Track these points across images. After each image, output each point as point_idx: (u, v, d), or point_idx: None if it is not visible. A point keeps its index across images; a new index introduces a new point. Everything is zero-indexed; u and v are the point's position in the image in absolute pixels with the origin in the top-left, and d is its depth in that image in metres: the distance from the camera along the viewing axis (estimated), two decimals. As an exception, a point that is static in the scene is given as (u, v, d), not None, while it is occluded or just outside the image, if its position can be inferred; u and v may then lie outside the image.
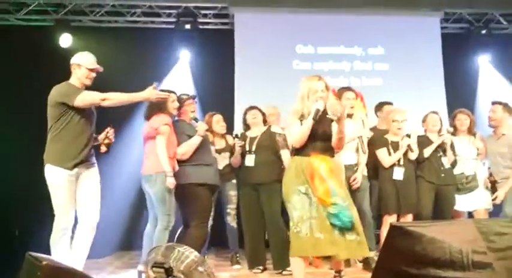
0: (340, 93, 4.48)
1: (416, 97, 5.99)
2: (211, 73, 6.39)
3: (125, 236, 5.59)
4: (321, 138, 3.18)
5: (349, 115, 4.39)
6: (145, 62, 6.17)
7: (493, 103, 4.62)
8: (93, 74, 3.50)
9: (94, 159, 3.55)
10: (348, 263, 4.33)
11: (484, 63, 7.06)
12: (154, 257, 2.66)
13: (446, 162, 4.40)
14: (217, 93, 6.21)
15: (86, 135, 3.43)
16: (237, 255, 4.64)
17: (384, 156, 4.30)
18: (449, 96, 6.49)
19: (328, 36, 6.54)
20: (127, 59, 5.95)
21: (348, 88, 4.50)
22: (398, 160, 4.27)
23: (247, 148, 4.36)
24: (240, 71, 6.32)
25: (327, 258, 3.46)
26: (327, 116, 3.13)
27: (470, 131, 4.55)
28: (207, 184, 3.91)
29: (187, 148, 3.90)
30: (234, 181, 4.67)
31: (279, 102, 5.07)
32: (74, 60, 3.49)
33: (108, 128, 3.63)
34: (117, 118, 3.90)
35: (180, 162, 3.85)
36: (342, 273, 3.35)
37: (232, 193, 4.65)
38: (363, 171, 4.27)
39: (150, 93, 3.50)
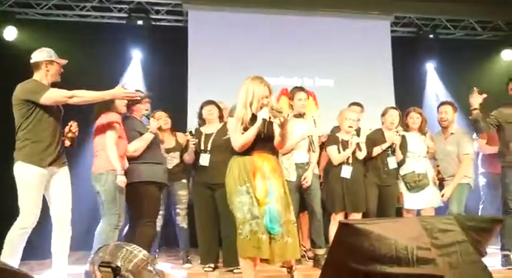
0: (292, 93, 4.52)
1: (366, 98, 6.10)
2: (164, 71, 6.30)
3: (77, 236, 5.38)
4: (263, 138, 3.18)
5: (301, 115, 4.44)
6: (96, 57, 6.00)
7: (443, 103, 4.73)
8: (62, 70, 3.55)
9: (65, 157, 3.56)
10: (299, 260, 4.39)
11: (431, 66, 7.34)
12: (101, 256, 2.59)
13: (392, 162, 4.49)
14: (170, 90, 6.13)
15: (56, 132, 3.45)
16: (188, 254, 4.59)
17: (334, 154, 4.36)
18: (398, 97, 6.69)
19: (281, 35, 6.57)
20: (77, 54, 5.75)
21: (300, 89, 4.54)
22: (347, 159, 4.33)
23: (202, 147, 4.30)
24: (193, 69, 6.28)
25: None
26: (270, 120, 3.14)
27: (422, 130, 4.64)
28: (157, 182, 3.86)
29: (138, 145, 3.83)
30: (184, 180, 4.61)
31: (232, 100, 5.04)
32: (42, 57, 3.44)
33: (71, 122, 3.59)
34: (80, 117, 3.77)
35: (130, 159, 3.77)
36: (293, 268, 3.38)
37: (182, 193, 4.58)
38: (313, 169, 4.32)
39: (117, 91, 3.54)
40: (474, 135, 5.00)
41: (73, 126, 3.57)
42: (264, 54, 6.47)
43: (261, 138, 3.18)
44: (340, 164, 4.33)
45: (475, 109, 4.21)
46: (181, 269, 4.39)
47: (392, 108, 4.70)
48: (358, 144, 4.32)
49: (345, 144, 4.37)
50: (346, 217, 4.33)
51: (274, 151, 3.31)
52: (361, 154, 4.38)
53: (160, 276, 2.54)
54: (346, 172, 4.30)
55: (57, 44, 5.76)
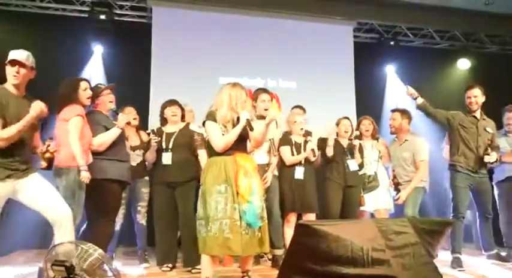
0: (256, 94, 4.54)
1: (329, 100, 6.24)
2: (126, 67, 6.19)
3: (34, 234, 5.21)
4: (241, 139, 3.31)
5: (264, 117, 4.46)
6: (56, 51, 5.84)
7: (392, 111, 4.98)
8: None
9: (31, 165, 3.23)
10: (257, 261, 4.42)
11: (390, 72, 7.53)
12: (55, 254, 2.52)
13: (352, 164, 4.62)
14: (132, 87, 6.00)
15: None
16: (146, 253, 4.53)
17: (287, 154, 4.41)
18: (358, 101, 6.83)
19: (245, 36, 6.59)
20: (36, 46, 5.55)
21: (264, 90, 4.56)
22: (301, 161, 4.40)
23: (164, 146, 4.27)
24: (156, 67, 6.20)
25: (237, 257, 3.51)
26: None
27: (373, 136, 4.90)
28: (120, 181, 3.78)
29: (104, 140, 3.70)
30: (147, 178, 4.55)
31: (194, 99, 5.03)
32: (20, 57, 3.09)
33: (48, 141, 3.29)
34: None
35: (93, 154, 3.65)
36: (249, 273, 3.39)
37: (144, 191, 4.53)
38: (273, 171, 4.36)
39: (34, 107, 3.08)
40: (443, 143, 5.18)
41: (50, 146, 3.28)
42: (227, 54, 6.46)
43: (239, 139, 3.29)
44: (292, 165, 4.39)
45: (417, 97, 4.40)
46: (138, 268, 4.32)
47: (345, 118, 4.85)
48: (313, 150, 4.41)
49: (297, 146, 4.46)
50: (300, 218, 4.36)
51: (247, 152, 3.44)
52: (314, 158, 4.48)
53: (116, 276, 2.50)
54: (299, 172, 4.37)
55: (16, 35, 5.63)
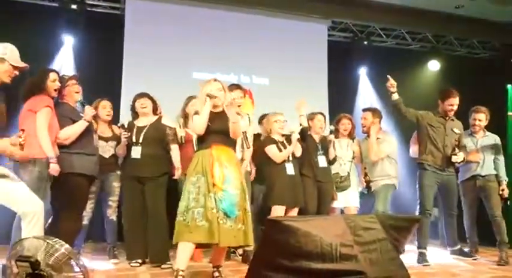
0: (229, 90, 4.52)
1: (301, 97, 6.23)
2: (98, 59, 6.08)
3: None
4: (219, 132, 3.41)
5: (237, 113, 4.46)
6: (25, 40, 5.63)
7: (364, 110, 5.07)
8: (16, 72, 3.12)
9: None
10: (228, 256, 4.42)
11: (363, 71, 7.63)
12: (19, 250, 2.46)
13: (322, 160, 4.66)
14: (103, 80, 5.92)
15: None
16: (115, 249, 4.47)
17: (275, 152, 4.40)
18: (331, 99, 6.89)
19: (219, 31, 6.56)
20: (5, 36, 5.39)
21: (237, 86, 4.56)
22: (288, 157, 4.41)
23: (134, 139, 4.20)
24: (129, 59, 6.11)
25: (208, 251, 3.51)
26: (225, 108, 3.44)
27: (350, 135, 4.94)
28: (86, 175, 3.71)
29: (70, 133, 3.63)
30: (119, 172, 4.47)
31: (167, 93, 4.99)
32: None
33: (21, 131, 3.08)
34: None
35: (60, 148, 3.57)
36: (220, 269, 3.40)
37: (116, 185, 4.44)
38: (246, 167, 4.36)
39: None
40: (411, 141, 5.29)
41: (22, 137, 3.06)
42: (201, 49, 6.41)
43: (217, 132, 3.40)
44: (283, 162, 4.39)
45: (393, 92, 4.47)
46: (107, 264, 4.26)
47: (320, 113, 4.89)
48: (299, 140, 4.43)
49: (282, 143, 4.46)
50: (286, 213, 4.37)
51: (231, 145, 3.51)
52: (299, 151, 4.50)
53: (84, 271, 2.46)
54: (290, 168, 4.39)
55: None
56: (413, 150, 4.92)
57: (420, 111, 4.65)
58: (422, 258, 4.36)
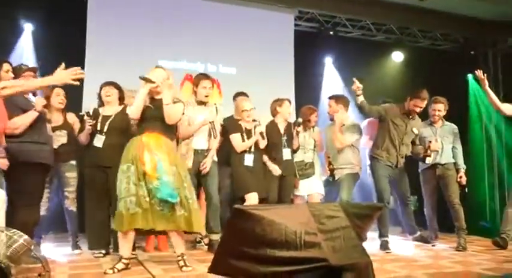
0: (197, 79, 4.48)
1: (268, 87, 6.26)
2: (59, 47, 5.86)
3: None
4: (154, 118, 3.48)
5: (204, 103, 4.44)
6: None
7: (329, 98, 5.12)
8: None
9: None
10: (194, 246, 4.42)
11: (329, 61, 7.70)
12: (-24, 242, 2.38)
13: (287, 153, 4.71)
14: (65, 68, 5.72)
15: None
16: (77, 239, 4.39)
17: (237, 142, 4.44)
18: (297, 88, 6.93)
19: (186, 18, 6.46)
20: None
21: (206, 76, 4.50)
22: (250, 147, 4.44)
23: (99, 128, 4.15)
24: (92, 47, 5.95)
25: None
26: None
27: (312, 126, 5.03)
28: (41, 163, 3.61)
29: (20, 123, 3.50)
30: (73, 162, 4.35)
31: (131, 81, 4.88)
32: None
33: None
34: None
35: (12, 138, 3.46)
36: (184, 257, 3.42)
37: (70, 175, 4.32)
38: (213, 156, 4.35)
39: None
40: (364, 131, 5.38)
41: None
42: (167, 36, 6.31)
43: (151, 119, 3.45)
44: (243, 152, 4.41)
45: (358, 95, 4.54)
46: (70, 255, 4.18)
47: (287, 99, 4.92)
48: (261, 133, 4.45)
49: (248, 133, 4.48)
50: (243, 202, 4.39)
51: (168, 132, 3.53)
52: (263, 143, 4.51)
53: (43, 262, 2.40)
54: (249, 160, 4.41)
55: None
56: (366, 140, 5.07)
57: (386, 105, 4.76)
58: (384, 246, 4.47)
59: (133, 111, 3.50)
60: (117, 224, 3.36)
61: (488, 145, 8.16)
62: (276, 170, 4.61)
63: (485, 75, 4.59)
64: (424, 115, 4.98)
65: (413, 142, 4.75)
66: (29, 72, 3.73)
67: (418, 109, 4.68)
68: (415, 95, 4.66)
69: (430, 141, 4.76)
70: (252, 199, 4.32)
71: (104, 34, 6.02)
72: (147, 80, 3.45)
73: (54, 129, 4.22)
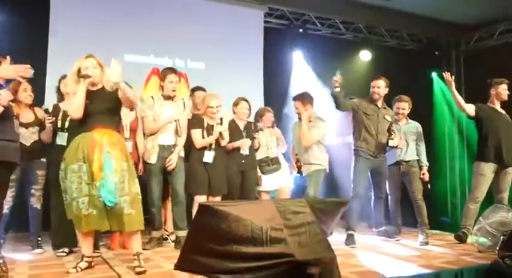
0: (163, 74, 4.43)
1: (237, 83, 6.26)
2: (20, 38, 5.66)
3: None
4: (100, 112, 3.33)
5: (171, 97, 4.39)
6: None
7: (293, 99, 5.13)
8: None
9: None
10: (160, 243, 4.37)
11: (298, 58, 7.74)
12: None
13: (245, 149, 4.73)
14: (27, 60, 5.52)
15: None
16: (39, 239, 4.27)
17: (198, 138, 4.40)
18: (266, 85, 6.94)
19: (154, 13, 6.36)
20: None
21: (172, 70, 4.44)
22: (211, 144, 4.41)
23: (60, 125, 4.05)
24: (55, 39, 5.77)
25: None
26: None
27: (272, 125, 5.16)
28: (7, 162, 3.49)
29: None
30: (44, 159, 4.24)
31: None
32: None
33: None
34: None
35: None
36: (140, 256, 3.34)
37: (40, 173, 4.21)
38: (179, 152, 4.31)
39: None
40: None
41: None
42: (134, 31, 6.18)
43: (99, 112, 3.31)
44: (203, 149, 4.39)
45: (336, 87, 4.61)
46: (31, 254, 4.07)
47: (244, 99, 4.92)
48: (220, 133, 4.43)
49: (209, 129, 4.44)
50: (207, 200, 4.38)
51: (115, 125, 3.44)
52: (224, 142, 4.51)
53: (1, 263, 2.33)
54: (209, 157, 4.38)
55: None
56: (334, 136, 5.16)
57: (355, 100, 4.85)
58: (350, 240, 4.54)
59: (76, 111, 3.29)
60: (76, 224, 3.27)
61: (450, 143, 8.41)
62: (243, 143, 4.66)
63: (452, 77, 4.74)
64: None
65: (389, 132, 4.74)
66: None
67: (376, 90, 4.79)
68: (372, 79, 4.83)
69: (391, 123, 4.76)
70: (200, 200, 4.25)
71: (67, 26, 5.83)
72: (84, 77, 3.28)
73: (26, 125, 4.12)
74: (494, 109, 4.81)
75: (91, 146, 3.20)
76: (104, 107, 3.33)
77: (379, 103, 4.82)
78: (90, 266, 3.36)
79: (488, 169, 4.67)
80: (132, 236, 3.35)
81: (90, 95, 3.31)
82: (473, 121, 4.94)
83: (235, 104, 4.88)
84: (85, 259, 3.34)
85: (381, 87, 4.81)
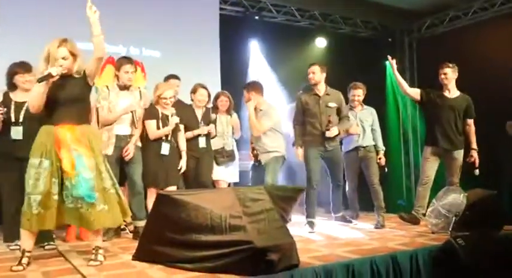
0: (119, 63, 4.32)
1: (194, 71, 6.16)
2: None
3: None
4: (65, 104, 3.15)
5: (127, 87, 4.29)
6: None
7: (244, 88, 5.18)
8: None
9: None
10: (118, 233, 4.31)
11: (254, 46, 7.73)
12: None
13: (202, 141, 4.74)
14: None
15: None
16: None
17: (152, 128, 4.29)
18: (223, 73, 6.89)
19: (105, 1, 6.13)
20: None
21: (128, 60, 4.32)
22: (166, 136, 4.32)
23: (13, 118, 3.84)
24: (2, 28, 5.50)
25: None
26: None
27: (228, 111, 5.08)
28: None
29: None
30: None
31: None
32: None
33: None
34: None
35: None
36: (100, 251, 3.26)
37: None
38: (136, 142, 4.23)
39: None
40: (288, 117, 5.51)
41: None
42: (86, 18, 5.96)
43: (63, 104, 3.14)
44: (159, 140, 4.29)
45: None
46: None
47: (203, 87, 4.87)
48: (177, 124, 4.37)
49: (164, 119, 4.33)
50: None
51: (83, 116, 3.27)
52: (181, 133, 4.47)
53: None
54: (165, 148, 4.31)
55: None
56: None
57: (302, 96, 4.81)
58: (310, 226, 4.61)
59: (36, 107, 3.10)
60: (24, 222, 3.07)
61: (403, 129, 8.67)
62: (202, 130, 4.70)
63: (394, 60, 4.83)
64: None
65: (340, 117, 4.76)
66: None
67: (310, 75, 4.71)
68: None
69: (330, 115, 4.69)
70: (153, 193, 4.19)
71: (17, 11, 5.58)
72: (47, 78, 3.02)
73: None
74: (440, 94, 4.80)
75: (56, 143, 3.07)
76: (71, 97, 3.16)
77: (321, 91, 4.72)
78: (30, 262, 3.20)
79: (431, 153, 4.78)
80: (97, 232, 3.26)
81: (55, 84, 3.10)
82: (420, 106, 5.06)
83: (193, 91, 4.84)
84: (26, 254, 3.16)
85: (315, 72, 4.70)
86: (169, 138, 4.34)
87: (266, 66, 7.54)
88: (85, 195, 3.04)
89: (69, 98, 3.15)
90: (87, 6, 3.20)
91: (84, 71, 3.22)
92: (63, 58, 3.14)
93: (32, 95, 3.10)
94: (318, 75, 4.70)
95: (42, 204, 3.04)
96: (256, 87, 5.05)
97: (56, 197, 3.07)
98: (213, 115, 4.88)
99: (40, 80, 3.01)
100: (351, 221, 5.07)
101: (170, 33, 6.53)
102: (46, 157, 3.06)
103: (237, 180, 5.02)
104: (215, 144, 4.88)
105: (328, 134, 4.59)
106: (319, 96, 4.72)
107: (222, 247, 2.83)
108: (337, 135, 4.69)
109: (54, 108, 3.14)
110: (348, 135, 5.11)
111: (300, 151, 4.73)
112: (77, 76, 3.21)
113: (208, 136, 4.79)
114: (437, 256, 3.53)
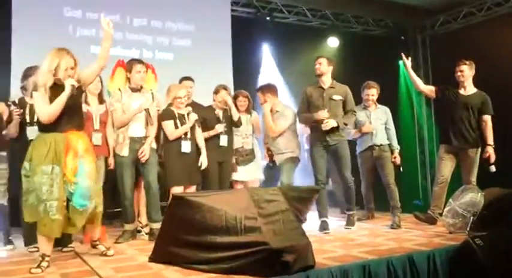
0: (130, 65, 4.35)
1: (206, 73, 6.18)
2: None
3: None
4: (71, 111, 3.26)
5: (139, 89, 4.33)
6: None
7: (256, 90, 5.20)
8: None
9: None
10: (134, 235, 4.33)
11: (266, 47, 7.73)
12: None
13: (224, 139, 4.72)
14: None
15: None
16: (9, 235, 4.17)
17: (170, 128, 4.33)
18: (236, 74, 6.90)
19: (120, 5, 6.23)
20: None
21: (138, 61, 4.37)
22: (186, 134, 4.36)
23: (28, 119, 3.93)
24: (19, 30, 5.58)
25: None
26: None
27: (248, 110, 5.04)
28: None
29: None
30: (3, 153, 4.10)
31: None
32: None
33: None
34: None
35: None
36: (104, 243, 3.50)
37: (2, 167, 4.11)
38: (151, 143, 4.25)
39: None
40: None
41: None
42: (99, 21, 6.02)
43: (73, 113, 3.26)
44: (179, 139, 4.33)
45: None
46: (1, 251, 3.97)
47: (224, 88, 4.86)
48: (196, 120, 4.40)
49: (181, 119, 4.37)
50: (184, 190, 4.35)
51: (82, 126, 3.45)
52: (199, 130, 4.48)
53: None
54: (186, 146, 4.33)
55: None
56: (302, 127, 5.18)
57: (307, 88, 4.76)
58: (323, 226, 4.58)
59: (54, 117, 3.19)
60: (40, 228, 3.16)
61: (418, 128, 8.59)
62: (219, 127, 4.69)
63: (409, 58, 4.79)
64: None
65: (345, 111, 4.68)
66: None
67: (317, 65, 4.69)
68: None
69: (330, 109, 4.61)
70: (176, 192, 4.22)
71: (31, 14, 5.65)
72: (75, 90, 3.21)
73: None
74: (455, 92, 4.74)
75: (65, 148, 3.16)
76: (75, 105, 3.30)
77: (325, 84, 4.67)
78: (49, 265, 3.26)
79: (446, 152, 4.74)
80: (97, 228, 3.49)
81: (59, 93, 3.20)
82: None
83: (216, 92, 4.84)
84: (46, 258, 3.23)
85: (322, 63, 4.67)
86: (188, 136, 4.36)
87: (278, 67, 7.52)
88: (78, 204, 3.17)
89: (74, 106, 3.27)
90: (105, 23, 3.32)
91: (79, 79, 3.32)
92: (71, 68, 3.28)
93: (58, 107, 3.17)
94: (324, 66, 4.68)
95: (58, 209, 3.11)
96: (271, 88, 5.05)
97: (71, 203, 3.17)
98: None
99: (70, 93, 3.17)
100: (364, 220, 5.09)
101: (183, 36, 6.57)
102: (56, 163, 3.14)
103: (262, 177, 5.00)
104: (235, 143, 4.88)
105: (323, 127, 4.51)
106: (323, 89, 4.68)
107: (237, 249, 2.83)
108: (336, 128, 4.57)
109: (61, 117, 3.21)
110: (361, 134, 5.09)
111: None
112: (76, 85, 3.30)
113: (229, 134, 4.77)
114: (455, 256, 3.48)
